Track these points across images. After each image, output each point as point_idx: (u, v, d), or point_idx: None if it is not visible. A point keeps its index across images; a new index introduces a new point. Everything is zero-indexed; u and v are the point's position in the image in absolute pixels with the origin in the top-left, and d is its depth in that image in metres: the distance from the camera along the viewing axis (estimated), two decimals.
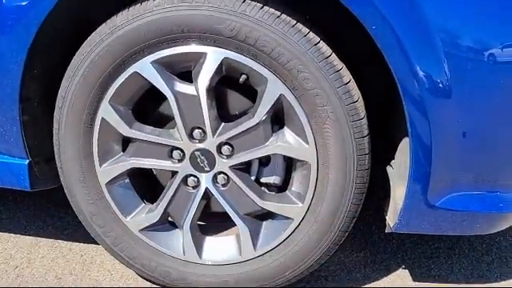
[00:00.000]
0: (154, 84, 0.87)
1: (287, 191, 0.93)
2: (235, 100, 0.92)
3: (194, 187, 0.94)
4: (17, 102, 0.92)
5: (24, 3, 0.84)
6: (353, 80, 0.84)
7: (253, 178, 0.94)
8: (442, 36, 0.73)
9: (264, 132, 0.87)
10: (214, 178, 0.92)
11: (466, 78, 0.75)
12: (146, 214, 0.97)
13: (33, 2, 0.84)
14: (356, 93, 0.83)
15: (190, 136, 0.89)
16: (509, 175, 0.86)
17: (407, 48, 0.74)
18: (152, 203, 0.99)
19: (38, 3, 0.84)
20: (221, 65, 0.84)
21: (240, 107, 0.92)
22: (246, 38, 0.80)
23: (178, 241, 0.97)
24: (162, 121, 0.95)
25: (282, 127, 0.88)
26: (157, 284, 1.03)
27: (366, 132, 0.84)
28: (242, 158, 0.89)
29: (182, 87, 0.87)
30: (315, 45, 0.80)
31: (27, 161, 0.98)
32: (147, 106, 0.95)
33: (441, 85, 0.75)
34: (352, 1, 0.75)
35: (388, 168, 1.01)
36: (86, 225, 1.00)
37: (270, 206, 0.92)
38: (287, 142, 0.87)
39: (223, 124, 0.88)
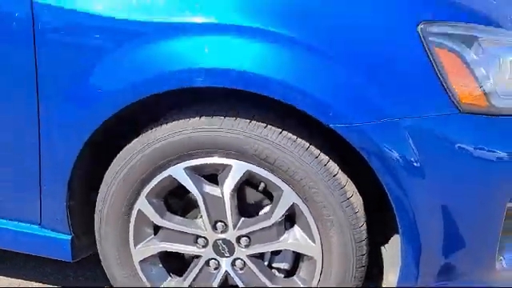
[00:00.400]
0: (185, 185, 1.02)
1: (295, 276, 1.08)
2: (253, 196, 1.07)
3: (215, 269, 1.09)
4: (66, 191, 1.06)
5: (82, 112, 0.99)
6: (356, 192, 0.99)
7: (265, 263, 1.09)
8: None
9: (278, 231, 1.02)
10: (233, 262, 1.07)
11: None
12: (173, 286, 1.12)
13: (90, 113, 0.98)
14: (358, 204, 0.98)
15: (214, 227, 1.04)
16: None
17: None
18: (178, 275, 1.14)
19: (95, 114, 0.98)
20: (243, 175, 0.99)
21: (258, 203, 1.07)
22: (266, 158, 0.95)
23: None
24: (189, 208, 1.10)
25: (293, 225, 1.03)
26: None
27: (364, 236, 0.99)
28: (257, 249, 1.04)
29: (209, 189, 1.02)
30: (324, 165, 0.95)
31: (70, 236, 1.14)
32: (176, 195, 1.10)
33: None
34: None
35: (382, 249, 1.15)
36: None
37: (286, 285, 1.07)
38: (297, 240, 1.02)
39: (243, 219, 1.03)
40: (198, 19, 0.92)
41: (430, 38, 0.87)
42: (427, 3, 0.92)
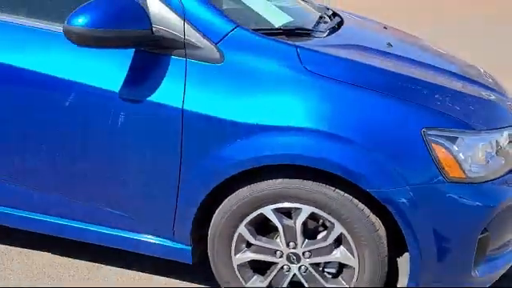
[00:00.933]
0: (271, 219, 1.59)
1: (340, 277, 1.65)
2: (314, 225, 1.64)
3: (286, 271, 1.67)
4: (192, 219, 1.66)
5: (209, 172, 1.57)
6: (381, 225, 1.55)
7: (320, 268, 1.67)
8: None
9: (330, 249, 1.59)
10: (299, 267, 1.65)
11: None
12: (259, 283, 1.71)
13: (216, 174, 1.56)
14: (382, 233, 1.54)
15: (287, 245, 1.62)
16: None
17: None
18: (261, 275, 1.73)
19: (220, 174, 1.56)
20: (309, 214, 1.56)
21: (316, 229, 1.64)
22: (324, 205, 1.52)
23: None
24: (270, 229, 1.68)
25: (339, 245, 1.60)
26: None
27: (386, 253, 1.56)
28: (316, 260, 1.62)
29: (286, 221, 1.59)
30: (362, 210, 1.51)
31: (191, 247, 1.73)
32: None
33: None
34: None
35: (398, 260, 1.71)
36: (224, 284, 1.74)
37: (329, 286, 1.65)
38: (342, 255, 1.59)
39: (307, 240, 1.61)
40: (292, 123, 1.49)
41: (429, 138, 1.43)
42: (427, 116, 1.48)
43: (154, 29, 1.50)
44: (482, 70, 2.16)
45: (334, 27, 2.03)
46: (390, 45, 1.98)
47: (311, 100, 1.50)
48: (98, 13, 1.43)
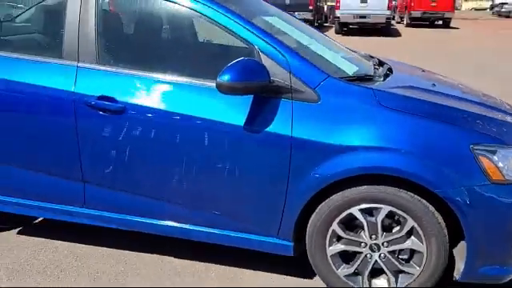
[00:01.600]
0: (358, 218, 2.12)
1: (411, 261, 2.15)
2: (388, 221, 2.16)
3: (369, 258, 2.18)
4: (295, 220, 2.19)
5: (310, 184, 2.12)
6: (443, 222, 2.06)
7: (396, 255, 2.17)
8: None
9: (404, 239, 2.11)
10: (379, 255, 2.16)
11: None
12: (346, 269, 2.22)
13: (316, 185, 2.10)
14: (445, 228, 2.05)
15: (370, 237, 2.14)
16: None
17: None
18: (346, 263, 2.23)
19: (318, 185, 2.10)
20: (388, 212, 2.09)
21: (391, 223, 2.16)
22: (401, 205, 2.05)
23: (360, 283, 2.22)
24: (354, 225, 2.20)
25: (410, 236, 2.11)
26: None
27: (447, 241, 2.06)
28: (393, 248, 2.13)
29: (370, 218, 2.12)
30: (432, 212, 2.03)
31: (292, 243, 2.26)
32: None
33: None
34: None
35: (454, 250, 2.21)
36: (319, 272, 2.26)
37: (403, 269, 2.15)
38: (414, 243, 2.10)
39: (385, 233, 2.13)
40: (375, 144, 2.04)
41: (476, 151, 1.98)
42: (473, 135, 2.03)
43: (270, 80, 2.09)
44: (498, 99, 2.73)
45: (386, 73, 2.61)
46: (434, 85, 2.56)
47: (387, 126, 2.06)
48: (236, 72, 2.03)
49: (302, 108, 2.11)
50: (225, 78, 2.02)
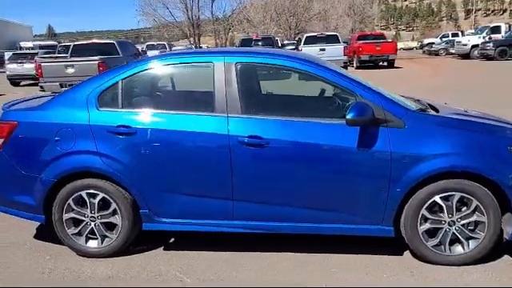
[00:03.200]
0: (439, 203, 3.12)
1: (476, 229, 3.16)
2: (459, 202, 3.17)
3: (448, 231, 3.17)
4: (395, 208, 3.16)
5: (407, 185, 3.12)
6: (495, 200, 3.10)
7: (466, 226, 3.18)
8: None
9: (471, 215, 3.13)
10: (455, 228, 3.16)
11: None
12: (432, 241, 3.19)
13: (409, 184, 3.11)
14: (497, 204, 3.09)
15: (448, 216, 3.14)
16: None
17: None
18: (432, 237, 3.21)
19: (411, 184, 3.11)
20: (460, 197, 3.11)
21: (459, 205, 3.18)
22: (470, 191, 3.08)
23: (443, 250, 3.19)
24: (434, 208, 3.19)
25: (475, 212, 3.13)
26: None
27: (499, 212, 3.10)
28: (464, 221, 3.14)
29: (447, 203, 3.12)
30: (489, 194, 3.07)
31: (393, 227, 3.21)
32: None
33: None
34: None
35: (502, 220, 3.24)
36: (412, 245, 3.21)
37: (473, 235, 3.16)
38: (478, 216, 3.12)
39: (457, 212, 3.14)
40: (448, 151, 3.10)
41: (511, 150, 3.07)
42: (508, 139, 3.14)
43: (374, 115, 3.11)
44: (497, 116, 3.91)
45: (433, 107, 3.69)
46: (466, 111, 3.69)
47: (452, 139, 3.12)
48: (356, 111, 3.04)
49: (394, 132, 3.13)
50: (350, 115, 3.03)
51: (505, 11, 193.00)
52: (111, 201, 3.41)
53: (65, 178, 3.39)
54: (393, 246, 3.40)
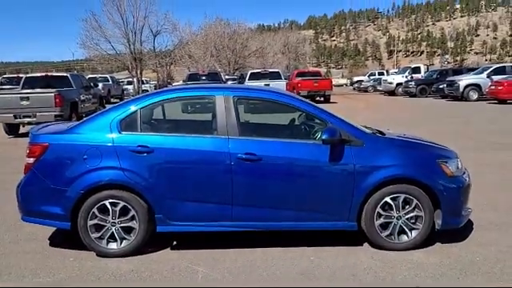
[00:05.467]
0: (389, 202, 4.17)
1: (417, 222, 4.23)
2: (403, 201, 4.24)
3: (396, 224, 4.20)
4: (357, 211, 4.17)
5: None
6: (429, 199, 4.20)
7: (409, 220, 4.24)
8: None
9: (412, 211, 4.20)
10: (401, 221, 4.20)
11: None
12: (386, 232, 4.21)
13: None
14: (430, 202, 4.19)
15: (396, 212, 4.18)
16: None
17: None
18: (384, 229, 4.22)
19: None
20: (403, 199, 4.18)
21: (404, 203, 4.24)
22: (413, 194, 4.16)
23: (393, 239, 4.22)
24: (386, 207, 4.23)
25: (415, 209, 4.21)
26: None
27: (433, 211, 4.20)
28: (408, 216, 4.20)
29: (395, 202, 4.18)
30: (425, 195, 4.16)
31: (356, 223, 4.20)
32: None
33: None
34: None
35: (434, 215, 4.33)
36: (370, 235, 4.20)
37: (414, 227, 4.22)
38: (418, 212, 4.20)
39: (402, 209, 4.20)
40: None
41: (439, 162, 4.21)
42: (437, 153, 4.30)
43: (341, 137, 4.13)
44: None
45: (380, 131, 4.79)
46: (404, 134, 4.84)
47: (397, 154, 4.22)
48: (329, 133, 4.04)
49: (356, 149, 4.17)
50: (325, 136, 4.04)
51: (422, 53, 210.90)
52: (130, 208, 4.12)
53: (91, 190, 4.07)
54: (355, 238, 4.39)
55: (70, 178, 4.09)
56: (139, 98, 4.45)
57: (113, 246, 4.18)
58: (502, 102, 21.03)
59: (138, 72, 34.13)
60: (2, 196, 6.58)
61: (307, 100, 4.64)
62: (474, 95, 23.78)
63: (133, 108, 4.28)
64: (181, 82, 28.84)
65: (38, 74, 15.67)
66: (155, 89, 37.30)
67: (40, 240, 4.65)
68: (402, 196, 4.18)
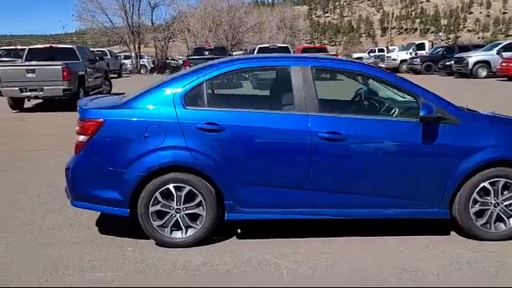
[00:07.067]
0: (487, 187, 3.72)
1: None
2: None
3: (494, 210, 3.77)
4: (450, 197, 3.71)
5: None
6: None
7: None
8: None
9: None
10: (499, 209, 3.77)
11: None
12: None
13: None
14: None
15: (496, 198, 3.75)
16: None
17: None
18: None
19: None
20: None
21: None
22: None
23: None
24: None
25: None
26: None
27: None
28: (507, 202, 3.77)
29: (494, 188, 3.73)
30: None
31: (448, 210, 3.75)
32: None
33: None
34: None
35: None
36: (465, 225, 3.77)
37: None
38: None
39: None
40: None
41: None
42: None
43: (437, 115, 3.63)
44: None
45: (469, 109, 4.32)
46: (494, 112, 4.36)
47: (501, 133, 3.74)
48: (428, 111, 3.54)
49: (452, 127, 3.69)
50: (424, 113, 3.54)
51: (415, 30, 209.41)
52: (197, 193, 3.62)
53: (154, 172, 3.56)
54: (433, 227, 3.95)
55: (130, 158, 3.56)
56: (202, 68, 3.88)
57: (177, 234, 3.69)
58: None
59: (136, 46, 33.12)
60: (25, 176, 6.05)
61: (393, 73, 4.11)
62: (483, 72, 23.33)
63: (197, 80, 3.73)
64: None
65: (42, 46, 14.80)
66: (153, 64, 36.43)
67: (85, 226, 4.15)
68: (503, 181, 3.72)
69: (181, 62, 39.86)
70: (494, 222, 3.81)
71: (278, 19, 64.26)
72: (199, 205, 3.66)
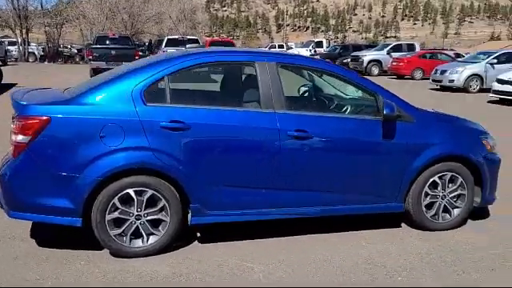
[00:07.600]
0: (436, 181, 3.95)
1: (458, 200, 4.10)
2: None
3: (441, 202, 4.03)
4: (405, 193, 3.89)
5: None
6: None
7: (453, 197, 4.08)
8: None
9: (457, 190, 4.04)
10: (446, 201, 4.03)
11: None
12: None
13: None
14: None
15: (443, 191, 4.00)
16: None
17: None
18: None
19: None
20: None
21: None
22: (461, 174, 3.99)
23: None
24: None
25: (459, 187, 4.05)
26: None
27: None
28: (453, 194, 4.04)
29: (441, 181, 3.98)
30: (468, 173, 4.03)
31: (403, 204, 3.92)
32: None
33: None
34: None
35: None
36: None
37: (457, 204, 4.08)
38: (462, 189, 4.05)
39: None
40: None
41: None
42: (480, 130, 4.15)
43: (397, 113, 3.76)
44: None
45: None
46: (433, 109, 4.64)
47: (448, 131, 3.99)
48: (390, 108, 3.64)
49: (408, 125, 3.85)
50: (387, 111, 3.63)
51: (308, 28, 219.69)
52: (160, 197, 3.34)
53: (112, 175, 3.20)
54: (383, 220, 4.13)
55: (82, 161, 3.16)
56: (162, 61, 3.57)
57: (137, 243, 3.37)
58: (401, 77, 22.57)
59: (23, 31, 30.16)
60: None
61: (354, 71, 4.16)
62: (376, 70, 25.16)
63: (157, 74, 3.42)
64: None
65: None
66: (43, 52, 33.41)
67: (23, 239, 3.62)
68: (449, 174, 3.98)
69: (75, 50, 37.19)
70: (442, 213, 4.07)
71: (178, 10, 62.95)
72: (162, 209, 3.38)
